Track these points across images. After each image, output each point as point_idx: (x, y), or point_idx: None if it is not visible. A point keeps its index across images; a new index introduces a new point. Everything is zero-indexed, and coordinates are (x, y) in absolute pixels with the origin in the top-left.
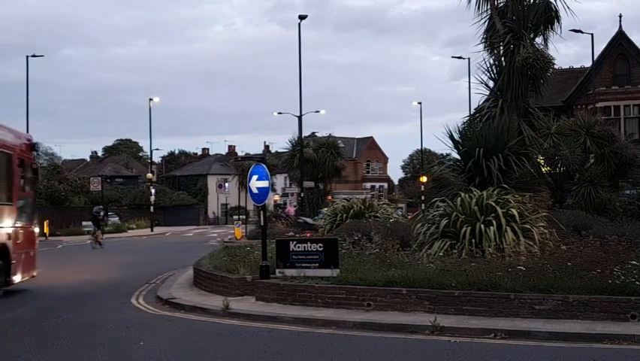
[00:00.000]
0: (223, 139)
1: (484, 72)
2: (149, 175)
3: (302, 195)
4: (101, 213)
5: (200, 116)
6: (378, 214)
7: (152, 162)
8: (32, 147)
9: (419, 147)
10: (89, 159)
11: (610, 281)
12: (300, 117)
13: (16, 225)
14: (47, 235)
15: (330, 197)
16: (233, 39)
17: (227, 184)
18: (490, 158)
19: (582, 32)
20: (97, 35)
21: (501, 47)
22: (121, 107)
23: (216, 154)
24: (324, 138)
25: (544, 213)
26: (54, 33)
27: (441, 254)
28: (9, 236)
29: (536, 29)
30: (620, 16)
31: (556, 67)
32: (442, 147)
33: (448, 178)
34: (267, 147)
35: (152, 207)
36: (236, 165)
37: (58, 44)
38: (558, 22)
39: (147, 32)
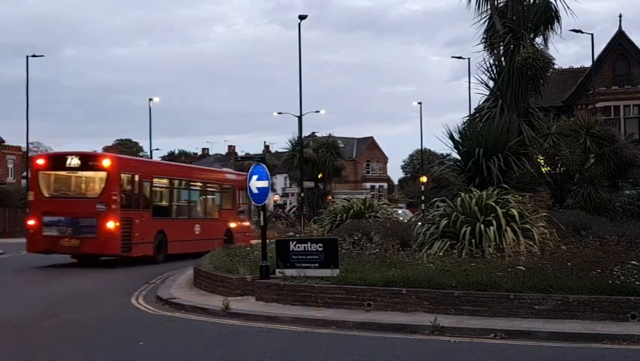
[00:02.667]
0: (223, 139)
1: (484, 72)
2: None
3: (302, 195)
4: None
5: (200, 116)
6: (378, 214)
7: None
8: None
9: (419, 147)
10: None
11: (610, 281)
12: (300, 117)
13: (236, 220)
14: None
15: (330, 197)
16: (234, 39)
17: None
18: (490, 158)
19: (582, 32)
20: (98, 35)
21: (501, 47)
22: (121, 107)
23: (216, 154)
24: (324, 138)
25: (544, 213)
26: (55, 33)
27: (441, 254)
28: (232, 225)
29: (536, 29)
30: (620, 16)
31: (556, 67)
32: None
33: (448, 178)
34: (267, 147)
35: None
36: (236, 165)
37: (59, 44)
38: (558, 22)
39: (148, 32)
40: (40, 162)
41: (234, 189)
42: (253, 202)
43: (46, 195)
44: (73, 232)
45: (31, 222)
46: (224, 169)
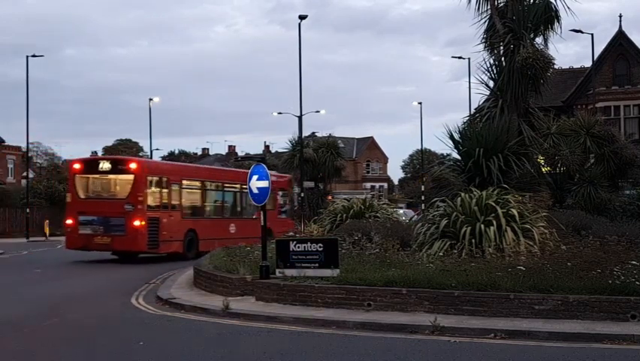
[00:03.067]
0: (223, 139)
1: (484, 72)
2: None
3: (302, 195)
4: None
5: (200, 116)
6: (378, 214)
7: None
8: (289, 182)
9: (419, 147)
10: None
11: (610, 281)
12: (300, 117)
13: (278, 218)
14: (47, 235)
15: (330, 197)
16: (234, 39)
17: None
18: (490, 158)
19: (582, 32)
20: (98, 35)
21: (501, 47)
22: (121, 107)
23: (216, 154)
24: (324, 138)
25: (544, 213)
26: (55, 33)
27: (441, 254)
28: (272, 223)
29: (536, 29)
30: (620, 16)
31: (556, 67)
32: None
33: (448, 178)
34: (267, 147)
35: None
36: (236, 165)
37: (59, 44)
38: (558, 22)
39: (148, 32)
40: (77, 166)
41: (275, 191)
42: (253, 202)
43: (82, 196)
44: (104, 230)
45: (69, 221)
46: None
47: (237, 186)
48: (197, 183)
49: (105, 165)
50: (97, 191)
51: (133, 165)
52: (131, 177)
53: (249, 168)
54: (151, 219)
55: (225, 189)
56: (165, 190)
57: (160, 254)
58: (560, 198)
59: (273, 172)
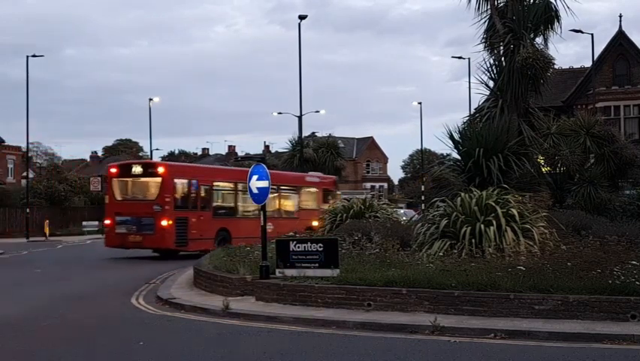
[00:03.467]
0: (223, 139)
1: (484, 72)
2: None
3: None
4: None
5: (200, 116)
6: (378, 214)
7: None
8: (334, 183)
9: (419, 147)
10: (89, 159)
11: (610, 281)
12: (300, 117)
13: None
14: (47, 235)
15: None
16: (234, 39)
17: None
18: (490, 158)
19: (582, 32)
20: (98, 35)
21: (501, 47)
22: (121, 107)
23: (216, 154)
24: (324, 138)
25: (544, 213)
26: (55, 33)
27: (441, 254)
28: (314, 223)
29: (536, 29)
30: (620, 16)
31: (556, 67)
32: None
33: (448, 178)
34: (267, 147)
35: None
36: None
37: (60, 44)
38: (558, 22)
39: (149, 32)
40: (113, 170)
41: (319, 190)
42: (253, 202)
43: (118, 198)
44: (137, 229)
45: (107, 221)
46: (311, 173)
47: (274, 187)
48: (230, 185)
49: (137, 169)
50: (130, 193)
51: (160, 169)
52: (159, 179)
53: (248, 168)
54: (179, 218)
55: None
56: (194, 192)
57: (191, 252)
58: (560, 198)
59: (318, 174)
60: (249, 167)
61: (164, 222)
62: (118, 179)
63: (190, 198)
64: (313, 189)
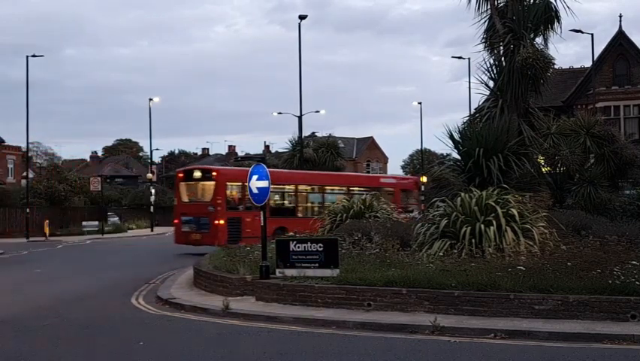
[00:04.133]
0: (223, 139)
1: (484, 72)
2: (149, 175)
3: None
4: None
5: (200, 116)
6: (378, 214)
7: (152, 162)
8: (415, 183)
9: (419, 147)
10: (89, 159)
11: (610, 281)
12: (300, 117)
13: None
14: (47, 235)
15: None
16: (235, 39)
17: None
18: (490, 158)
19: (582, 32)
20: (98, 35)
21: (501, 47)
22: (121, 107)
23: (216, 154)
24: (324, 138)
25: (544, 213)
26: (55, 33)
27: (441, 254)
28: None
29: (536, 29)
30: (620, 16)
31: (556, 67)
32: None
33: (448, 178)
34: (267, 147)
35: (152, 208)
36: (236, 165)
37: (60, 44)
38: (558, 22)
39: (149, 32)
40: (180, 174)
41: (396, 191)
42: (253, 202)
43: (183, 200)
44: (197, 228)
45: (175, 221)
46: (390, 174)
47: (336, 188)
48: (286, 187)
49: (196, 174)
50: (192, 195)
51: (214, 173)
52: (213, 183)
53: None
54: (231, 218)
55: (326, 191)
56: (246, 193)
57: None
58: (560, 198)
59: (396, 174)
60: (249, 167)
61: (216, 222)
62: (183, 183)
63: (244, 199)
64: (389, 190)
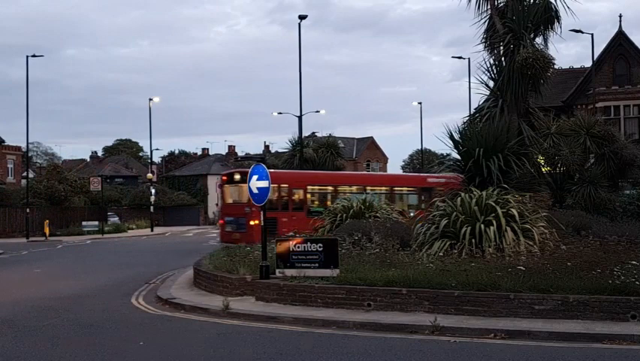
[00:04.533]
0: (223, 139)
1: (484, 72)
2: (149, 175)
3: None
4: None
5: (200, 116)
6: (378, 214)
7: (152, 162)
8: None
9: (419, 147)
10: (89, 159)
11: (610, 281)
12: (300, 117)
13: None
14: (47, 235)
15: None
16: (235, 39)
17: None
18: (490, 158)
19: (582, 32)
20: (98, 35)
21: (501, 47)
22: (121, 107)
23: (216, 154)
24: (324, 138)
25: (544, 213)
26: (56, 33)
27: (441, 254)
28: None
29: (536, 29)
30: (620, 17)
31: (556, 67)
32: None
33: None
34: (267, 147)
35: (152, 208)
36: (236, 165)
37: (60, 44)
38: (558, 23)
39: (149, 33)
40: (224, 177)
41: (433, 191)
42: (253, 202)
43: (227, 201)
44: (236, 228)
45: (221, 221)
46: (437, 174)
47: (380, 188)
48: (324, 188)
49: (236, 177)
50: (233, 197)
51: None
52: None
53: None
54: (267, 219)
55: (368, 191)
56: (285, 194)
57: None
58: (560, 198)
59: (446, 173)
60: (249, 167)
61: (252, 222)
62: (226, 185)
63: (280, 200)
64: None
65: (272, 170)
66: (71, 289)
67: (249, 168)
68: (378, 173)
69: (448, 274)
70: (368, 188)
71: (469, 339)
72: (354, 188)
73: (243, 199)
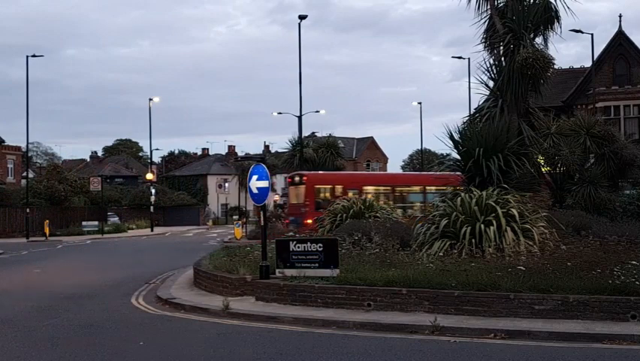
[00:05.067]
0: (223, 139)
1: (484, 72)
2: (149, 175)
3: None
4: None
5: (200, 116)
6: (378, 214)
7: (152, 162)
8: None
9: (419, 147)
10: (89, 159)
11: (610, 281)
12: (300, 117)
13: None
14: (47, 235)
15: None
16: (235, 39)
17: (227, 184)
18: (490, 158)
19: (582, 32)
20: (99, 35)
21: (501, 47)
22: (121, 107)
23: (216, 154)
24: (324, 138)
25: (544, 213)
26: (56, 33)
27: (441, 254)
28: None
29: (536, 29)
30: (620, 16)
31: (556, 67)
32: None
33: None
34: (267, 147)
35: (152, 208)
36: (236, 165)
37: (60, 44)
38: (558, 23)
39: (150, 33)
40: (289, 179)
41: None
42: (253, 202)
43: (291, 202)
44: (296, 226)
45: (286, 221)
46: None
47: (418, 188)
48: (377, 188)
49: (296, 178)
50: (294, 198)
51: (304, 178)
52: (303, 186)
53: (248, 168)
54: (319, 218)
55: (399, 190)
56: (340, 195)
57: None
58: (560, 198)
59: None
60: (249, 167)
61: (306, 221)
62: (290, 186)
63: (332, 200)
64: None
65: (327, 172)
66: (71, 289)
67: (311, 171)
68: (432, 173)
69: (448, 274)
70: (428, 188)
71: (469, 339)
72: (415, 188)
73: (300, 200)
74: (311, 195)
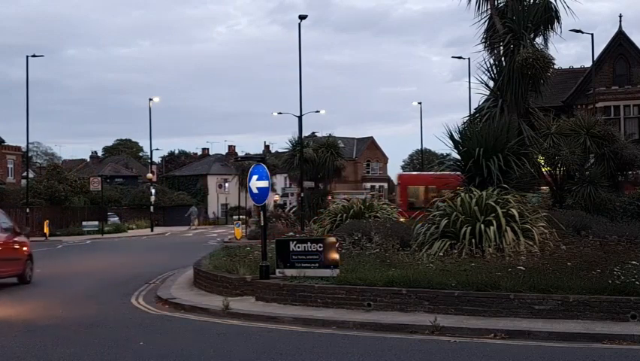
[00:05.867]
0: (223, 139)
1: (484, 72)
2: (149, 175)
3: (302, 196)
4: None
5: (200, 116)
6: (378, 214)
7: (152, 162)
8: None
9: (419, 147)
10: (89, 159)
11: (610, 281)
12: (300, 117)
13: None
14: (47, 235)
15: (330, 197)
16: (235, 39)
17: (227, 184)
18: (490, 158)
19: (582, 32)
20: (99, 35)
21: (501, 47)
22: (121, 107)
23: (216, 154)
24: (324, 138)
25: (544, 213)
26: (56, 33)
27: (441, 254)
28: None
29: (536, 29)
30: (620, 16)
31: (556, 67)
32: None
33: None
34: (267, 147)
35: (152, 208)
36: (237, 165)
37: (60, 44)
38: (558, 22)
39: (150, 33)
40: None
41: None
42: (253, 202)
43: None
44: None
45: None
46: None
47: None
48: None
49: (396, 180)
50: (395, 198)
51: (398, 178)
52: (398, 186)
53: (248, 168)
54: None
55: None
56: (434, 195)
57: None
58: (560, 198)
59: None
60: (249, 167)
61: (400, 220)
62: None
63: (426, 200)
64: None
65: (418, 173)
66: (71, 289)
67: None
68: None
69: (448, 274)
70: None
71: (469, 339)
72: None
73: (397, 199)
74: (404, 194)
